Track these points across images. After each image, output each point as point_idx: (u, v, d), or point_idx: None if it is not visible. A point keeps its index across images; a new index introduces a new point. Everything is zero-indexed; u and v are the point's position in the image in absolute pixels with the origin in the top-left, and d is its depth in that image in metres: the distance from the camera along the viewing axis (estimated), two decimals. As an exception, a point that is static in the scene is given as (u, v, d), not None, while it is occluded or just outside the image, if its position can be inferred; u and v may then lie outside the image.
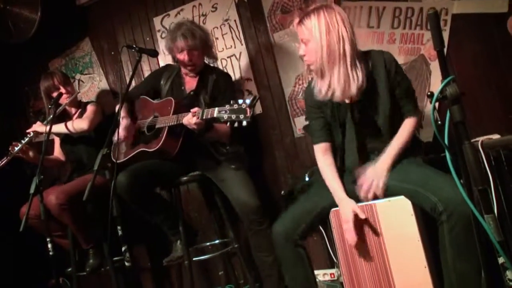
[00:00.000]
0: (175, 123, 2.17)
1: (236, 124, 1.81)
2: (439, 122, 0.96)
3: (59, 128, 2.68)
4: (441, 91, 0.93)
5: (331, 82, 1.67)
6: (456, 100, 0.92)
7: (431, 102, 0.93)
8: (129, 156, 2.34)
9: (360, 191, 1.70)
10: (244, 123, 1.79)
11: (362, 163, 1.77)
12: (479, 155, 2.00)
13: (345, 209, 1.68)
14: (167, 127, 2.21)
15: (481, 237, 1.03)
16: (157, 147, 2.20)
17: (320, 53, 1.65)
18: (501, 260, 1.03)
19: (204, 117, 1.98)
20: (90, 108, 2.73)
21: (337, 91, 1.68)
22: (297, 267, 1.78)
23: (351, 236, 1.66)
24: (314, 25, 1.66)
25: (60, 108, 2.68)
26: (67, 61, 3.31)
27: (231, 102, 1.83)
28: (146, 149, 2.27)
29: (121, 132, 2.22)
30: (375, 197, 1.69)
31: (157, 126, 2.30)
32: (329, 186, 1.78)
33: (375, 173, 1.69)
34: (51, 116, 2.52)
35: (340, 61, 1.64)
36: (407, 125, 1.75)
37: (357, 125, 1.77)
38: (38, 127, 2.71)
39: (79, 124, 2.64)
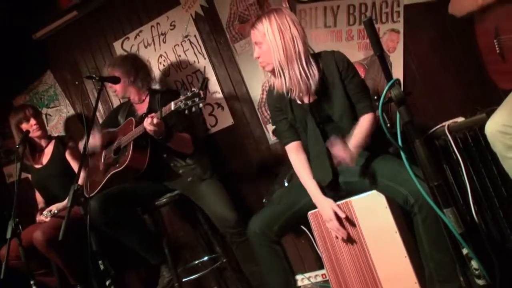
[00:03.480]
0: (138, 134, 2.19)
1: (193, 109, 1.91)
2: (388, 124, 0.97)
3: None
4: (386, 95, 0.96)
5: (291, 80, 1.71)
6: (402, 101, 0.95)
7: (378, 107, 0.96)
8: (103, 183, 2.32)
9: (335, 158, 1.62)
10: (201, 105, 1.91)
11: (329, 158, 1.77)
12: (447, 139, 2.06)
13: (325, 209, 1.71)
14: (131, 141, 2.23)
15: (448, 229, 1.05)
16: (126, 163, 2.21)
17: (277, 54, 1.69)
18: (465, 251, 1.05)
19: (163, 115, 2.03)
20: (75, 154, 2.72)
21: (297, 89, 1.72)
22: (274, 270, 1.80)
23: (340, 232, 1.69)
24: (266, 28, 1.71)
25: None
26: (31, 96, 3.26)
27: (184, 93, 1.94)
28: (116, 170, 2.26)
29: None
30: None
31: (122, 146, 2.31)
32: (305, 185, 1.81)
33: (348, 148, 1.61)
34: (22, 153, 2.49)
35: (296, 59, 1.69)
36: (363, 122, 1.73)
37: (319, 124, 1.79)
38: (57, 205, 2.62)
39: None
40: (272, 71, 1.77)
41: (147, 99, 2.49)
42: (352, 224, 1.72)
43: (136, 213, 2.40)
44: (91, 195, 2.29)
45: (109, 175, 2.29)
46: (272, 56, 1.71)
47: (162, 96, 2.41)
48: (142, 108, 2.50)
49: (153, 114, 2.06)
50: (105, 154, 2.44)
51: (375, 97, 1.00)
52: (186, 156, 2.36)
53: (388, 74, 1.01)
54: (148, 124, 2.04)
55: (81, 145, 2.25)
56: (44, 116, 3.23)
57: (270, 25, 1.71)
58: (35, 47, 3.14)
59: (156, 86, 2.78)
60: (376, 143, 1.82)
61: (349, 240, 1.72)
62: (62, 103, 3.20)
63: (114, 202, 2.18)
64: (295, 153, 1.87)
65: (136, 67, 2.46)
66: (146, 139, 2.24)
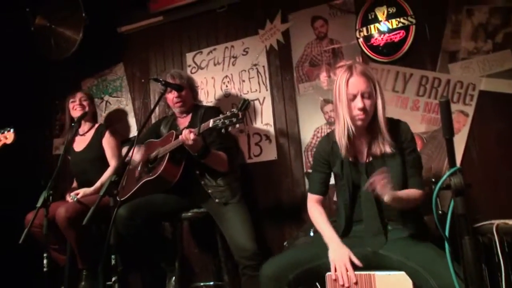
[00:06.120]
0: (175, 146, 2.23)
1: (230, 128, 1.95)
2: (440, 212, 0.92)
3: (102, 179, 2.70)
4: (445, 181, 0.91)
5: (376, 140, 1.66)
6: (460, 192, 0.89)
7: (433, 190, 0.91)
8: (133, 190, 2.37)
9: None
10: (237, 125, 1.94)
11: (381, 227, 1.69)
12: (492, 238, 1.93)
13: (340, 252, 1.63)
14: (168, 153, 2.27)
15: None
16: (158, 173, 2.24)
17: (379, 110, 1.63)
18: None
19: (201, 131, 2.07)
20: (110, 143, 2.80)
21: (373, 147, 1.68)
22: None
23: (347, 274, 1.58)
24: (376, 80, 1.65)
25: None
26: (99, 82, 3.45)
27: (224, 112, 1.97)
28: (148, 179, 2.30)
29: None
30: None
31: (159, 156, 2.35)
32: (322, 231, 1.75)
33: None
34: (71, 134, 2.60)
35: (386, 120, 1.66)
36: (412, 191, 1.66)
37: None
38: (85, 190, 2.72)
39: (111, 168, 2.73)
40: (364, 128, 1.69)
41: (190, 114, 2.55)
42: (370, 297, 1.62)
43: (160, 227, 2.42)
44: (121, 199, 2.34)
45: (141, 183, 2.34)
46: (373, 111, 1.63)
47: (205, 112, 2.44)
48: (184, 122, 2.54)
49: (191, 129, 2.10)
50: (142, 163, 2.50)
51: (433, 179, 0.95)
52: (218, 177, 2.35)
53: (452, 160, 0.96)
54: (185, 138, 2.08)
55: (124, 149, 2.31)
56: (104, 103, 3.40)
57: (373, 77, 1.64)
58: (116, 39, 3.35)
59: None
60: (417, 224, 1.73)
61: (363, 313, 1.62)
62: (124, 96, 3.35)
63: (142, 213, 2.20)
64: (315, 204, 1.85)
65: (190, 81, 2.57)
66: (182, 153, 2.26)
